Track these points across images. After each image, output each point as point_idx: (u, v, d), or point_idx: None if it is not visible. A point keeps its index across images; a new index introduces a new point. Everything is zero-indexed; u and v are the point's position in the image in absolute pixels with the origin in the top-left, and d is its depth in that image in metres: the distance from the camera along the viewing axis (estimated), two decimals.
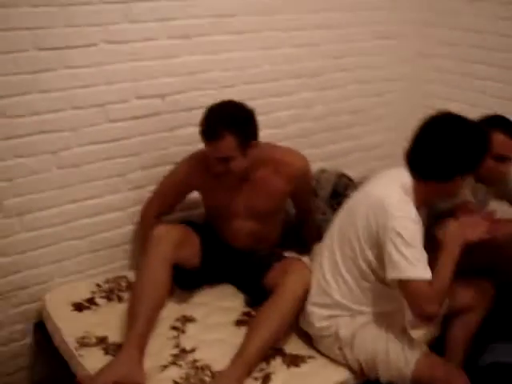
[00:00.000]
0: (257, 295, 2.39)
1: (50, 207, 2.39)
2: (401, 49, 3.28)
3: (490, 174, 2.43)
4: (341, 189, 2.86)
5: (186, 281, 2.46)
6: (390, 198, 2.01)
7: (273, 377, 2.07)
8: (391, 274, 1.97)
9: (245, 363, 2.05)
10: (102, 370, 1.98)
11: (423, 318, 1.98)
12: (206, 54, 2.57)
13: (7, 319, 2.42)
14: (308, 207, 2.72)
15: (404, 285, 1.96)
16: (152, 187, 2.56)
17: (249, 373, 2.06)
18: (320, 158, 3.11)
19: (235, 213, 2.45)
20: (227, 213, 2.46)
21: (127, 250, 2.66)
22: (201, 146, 2.32)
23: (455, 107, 3.02)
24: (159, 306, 2.20)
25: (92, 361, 2.08)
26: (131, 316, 2.14)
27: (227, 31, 2.59)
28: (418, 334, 2.28)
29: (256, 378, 2.06)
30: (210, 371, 2.07)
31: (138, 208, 2.59)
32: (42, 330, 2.43)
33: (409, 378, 2.02)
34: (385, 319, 2.16)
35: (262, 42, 2.72)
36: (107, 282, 2.55)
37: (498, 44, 2.98)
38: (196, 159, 2.43)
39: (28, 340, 2.50)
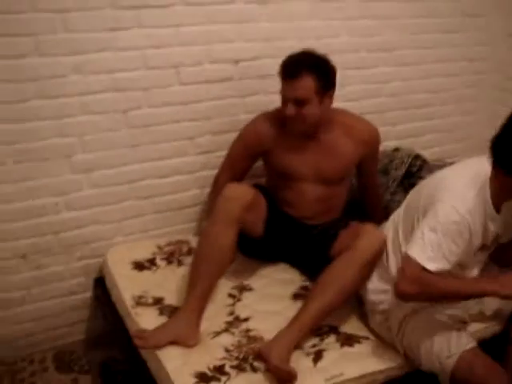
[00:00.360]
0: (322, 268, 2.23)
1: (117, 166, 2.42)
2: (488, 28, 3.09)
3: None
4: (414, 170, 2.76)
5: (249, 248, 2.41)
6: (453, 184, 1.93)
7: (325, 354, 2.02)
8: (404, 248, 1.96)
9: (302, 325, 2.01)
10: (158, 329, 2.00)
11: (395, 291, 1.91)
12: (282, 21, 2.51)
13: (69, 272, 2.48)
14: (373, 181, 2.62)
15: (403, 258, 1.93)
16: (220, 153, 2.54)
17: (304, 336, 2.03)
18: (394, 136, 3.03)
19: (303, 175, 2.36)
20: (295, 175, 2.37)
21: (192, 214, 2.66)
22: None
23: None
24: (222, 270, 2.16)
25: (146, 320, 2.10)
26: (193, 277, 2.12)
27: None
28: (479, 327, 2.18)
29: (308, 354, 2.02)
30: (263, 342, 2.04)
31: (205, 173, 2.58)
32: (101, 286, 2.48)
33: (449, 370, 1.92)
34: (438, 307, 2.07)
35: (340, 11, 2.64)
36: (169, 244, 2.56)
37: None
38: (264, 118, 2.38)
39: (88, 294, 2.56)
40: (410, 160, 2.77)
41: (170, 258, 2.48)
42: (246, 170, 2.51)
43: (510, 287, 1.83)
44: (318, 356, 2.02)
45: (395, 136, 3.03)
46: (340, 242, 2.31)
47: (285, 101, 2.20)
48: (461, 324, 2.11)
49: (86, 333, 2.63)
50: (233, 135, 2.52)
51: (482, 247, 2.04)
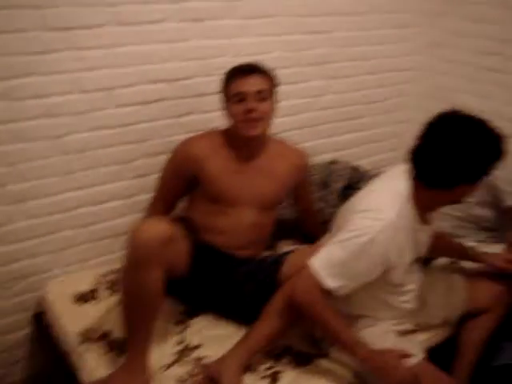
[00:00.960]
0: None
1: (52, 194, 2.30)
2: (414, 38, 3.17)
3: None
4: (354, 182, 2.77)
5: (175, 289, 2.15)
6: (374, 204, 1.88)
7: (281, 375, 1.99)
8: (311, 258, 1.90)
9: (249, 346, 1.97)
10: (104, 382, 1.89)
11: (286, 294, 1.94)
12: (216, 39, 2.47)
13: (6, 309, 2.34)
14: (310, 204, 2.62)
15: (306, 266, 1.88)
16: (157, 175, 2.47)
17: (252, 357, 1.98)
18: (330, 149, 3.06)
19: (240, 200, 2.27)
20: (231, 200, 2.26)
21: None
22: None
23: (467, 99, 3.04)
24: (156, 312, 1.93)
25: (94, 357, 2.01)
26: (128, 326, 1.91)
27: (239, 16, 2.49)
28: (427, 335, 2.22)
29: (264, 377, 1.98)
30: None
31: (143, 197, 2.50)
32: (41, 322, 2.36)
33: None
34: (381, 323, 2.08)
35: (274, 27, 2.62)
36: (111, 273, 2.46)
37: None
38: (196, 138, 2.28)
39: (26, 331, 2.43)
40: (349, 172, 2.79)
41: (113, 288, 2.37)
42: (178, 196, 2.38)
43: (372, 363, 1.85)
44: (274, 378, 1.99)
45: (331, 148, 3.06)
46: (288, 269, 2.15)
47: (241, 99, 2.11)
48: (409, 334, 2.15)
49: (25, 372, 2.48)
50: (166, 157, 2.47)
51: (416, 260, 2.06)
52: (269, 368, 2.03)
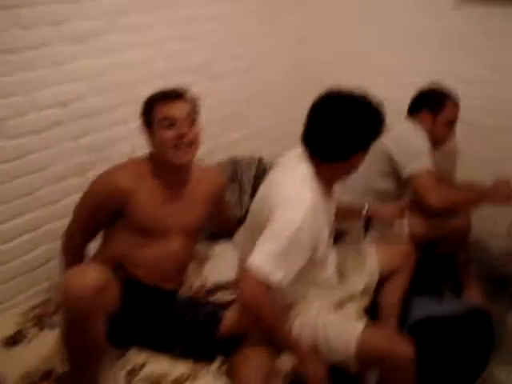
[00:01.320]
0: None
1: None
2: (285, 34, 3.35)
3: (441, 139, 2.78)
4: (260, 173, 2.88)
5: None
6: (287, 191, 1.98)
7: None
8: (248, 259, 1.91)
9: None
10: None
11: (244, 305, 1.97)
12: (101, 57, 2.44)
13: None
14: (228, 213, 2.66)
15: (245, 271, 1.91)
16: (64, 201, 2.42)
17: None
18: (221, 148, 3.12)
19: (168, 228, 2.20)
20: (159, 229, 2.18)
21: (46, 271, 2.47)
22: (108, 150, 2.33)
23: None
24: (101, 357, 1.93)
25: None
26: (74, 373, 1.89)
27: (120, 30, 2.49)
28: (352, 308, 2.34)
29: None
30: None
31: (53, 225, 2.43)
32: None
33: (353, 358, 2.03)
34: (314, 304, 2.19)
35: (155, 38, 2.64)
36: (33, 308, 2.34)
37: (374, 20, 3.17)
38: (118, 169, 2.16)
39: None
40: (256, 163, 2.90)
41: (39, 324, 2.26)
42: (99, 229, 2.25)
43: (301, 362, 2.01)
44: None
45: (224, 147, 3.14)
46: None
47: (170, 124, 2.05)
48: (339, 309, 2.28)
49: None
50: (72, 181, 2.44)
51: (331, 232, 2.21)
52: None
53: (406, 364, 1.99)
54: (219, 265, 2.48)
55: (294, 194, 1.95)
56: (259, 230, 1.98)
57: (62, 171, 2.42)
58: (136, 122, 2.17)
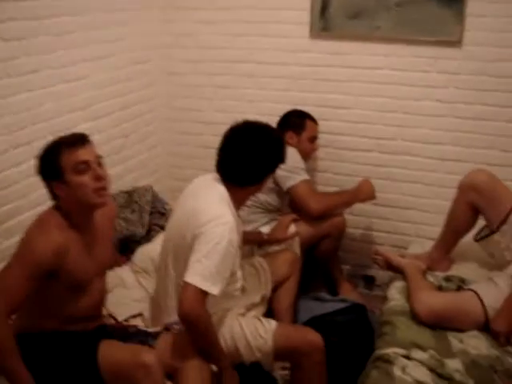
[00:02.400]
0: None
1: None
2: (153, 71, 3.56)
3: (308, 153, 3.19)
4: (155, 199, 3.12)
5: None
6: (207, 210, 2.19)
7: None
8: (185, 277, 2.08)
9: None
10: None
11: (180, 318, 2.10)
12: None
13: None
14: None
15: (184, 288, 2.08)
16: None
17: None
18: None
19: (93, 274, 2.16)
20: (87, 278, 2.14)
21: None
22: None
23: (208, 116, 3.54)
24: None
25: None
26: None
27: (12, 74, 2.53)
28: (253, 316, 2.54)
29: None
30: None
31: None
32: None
33: (271, 351, 2.28)
34: (227, 313, 2.40)
35: (41, 81, 2.70)
36: None
37: (229, 56, 3.48)
38: (48, 227, 2.03)
39: None
40: (150, 190, 3.09)
41: None
42: (29, 295, 2.00)
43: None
44: None
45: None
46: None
47: (85, 169, 2.01)
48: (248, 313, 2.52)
49: None
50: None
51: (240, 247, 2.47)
52: None
53: (318, 350, 2.29)
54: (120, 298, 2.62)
55: (216, 213, 2.18)
56: (183, 253, 2.19)
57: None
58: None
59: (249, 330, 2.32)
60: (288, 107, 3.30)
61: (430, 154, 3.24)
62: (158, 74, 3.61)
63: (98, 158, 2.09)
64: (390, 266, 2.79)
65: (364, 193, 3.13)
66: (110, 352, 2.06)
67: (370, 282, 3.48)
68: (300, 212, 3.06)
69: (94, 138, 2.98)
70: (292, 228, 2.90)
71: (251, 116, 3.33)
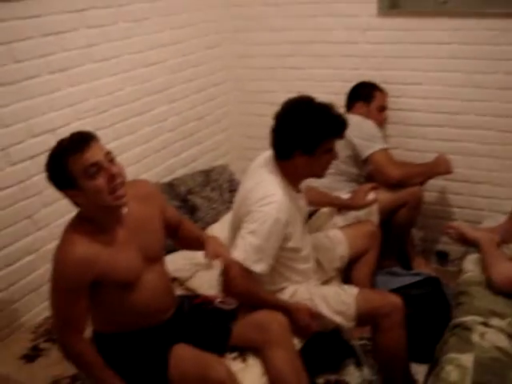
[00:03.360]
0: None
1: None
2: (224, 54, 3.67)
3: (378, 123, 3.20)
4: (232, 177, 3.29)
5: None
6: (259, 189, 2.28)
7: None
8: (232, 253, 2.23)
9: None
10: None
11: (224, 289, 2.26)
12: (80, 84, 2.64)
13: None
14: (181, 220, 2.44)
15: (231, 261, 2.21)
16: (58, 221, 2.56)
17: None
18: (180, 165, 3.39)
19: (138, 267, 2.08)
20: (133, 274, 2.06)
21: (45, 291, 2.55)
22: None
23: (279, 97, 3.55)
24: None
25: None
26: None
27: (95, 60, 2.70)
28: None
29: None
30: None
31: (49, 246, 2.54)
32: None
33: (354, 317, 2.34)
34: (301, 286, 2.47)
35: (122, 65, 2.87)
36: (40, 326, 2.47)
37: (298, 37, 3.54)
38: (74, 237, 1.93)
39: None
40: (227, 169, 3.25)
41: (51, 337, 2.38)
42: (86, 309, 2.00)
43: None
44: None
45: (181, 165, 3.40)
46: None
47: (97, 171, 1.86)
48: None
49: None
50: (64, 201, 2.55)
51: (303, 224, 2.52)
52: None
53: (398, 311, 2.35)
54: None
55: (265, 192, 2.26)
56: (239, 228, 2.29)
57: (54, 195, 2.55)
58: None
59: (331, 297, 2.39)
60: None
61: (502, 128, 3.20)
62: (229, 58, 3.71)
63: (108, 154, 1.92)
64: (463, 239, 2.76)
65: (441, 166, 3.14)
66: (181, 362, 2.04)
67: (443, 257, 3.48)
68: (379, 182, 3.10)
69: (171, 120, 3.24)
70: (371, 195, 2.95)
71: (321, 96, 3.44)
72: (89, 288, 1.96)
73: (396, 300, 2.38)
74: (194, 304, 2.32)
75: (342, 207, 2.99)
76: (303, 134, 2.23)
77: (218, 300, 2.28)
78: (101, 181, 1.87)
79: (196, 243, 2.36)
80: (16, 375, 2.22)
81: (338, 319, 2.36)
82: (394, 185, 3.08)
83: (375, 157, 3.08)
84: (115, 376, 2.00)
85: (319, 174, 2.41)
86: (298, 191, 2.45)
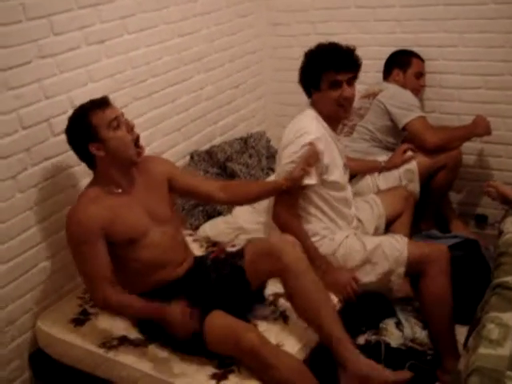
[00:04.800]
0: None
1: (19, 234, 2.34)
2: (257, 23, 3.68)
3: (415, 89, 3.23)
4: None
5: None
6: (293, 125, 2.52)
7: None
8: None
9: None
10: None
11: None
12: (118, 55, 2.68)
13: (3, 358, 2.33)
14: (201, 178, 2.77)
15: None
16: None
17: None
18: (218, 133, 3.44)
19: (146, 226, 2.24)
20: (141, 230, 2.22)
21: None
22: None
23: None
24: None
25: (129, 357, 2.17)
26: None
27: (131, 31, 2.73)
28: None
29: None
30: None
31: None
32: (38, 361, 2.42)
33: (405, 262, 2.42)
34: (349, 227, 2.61)
35: (159, 36, 2.90)
36: (85, 291, 2.53)
37: (330, 3, 3.52)
38: (86, 200, 2.16)
39: (26, 375, 2.43)
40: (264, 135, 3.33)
41: None
42: (109, 260, 2.15)
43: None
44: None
45: (219, 133, 3.45)
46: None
47: (117, 125, 2.13)
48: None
49: None
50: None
51: (345, 166, 2.63)
52: None
53: (445, 258, 2.45)
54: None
55: (299, 127, 2.48)
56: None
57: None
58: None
59: (384, 244, 2.48)
60: (393, 49, 3.32)
61: None
62: (262, 26, 3.72)
63: (122, 114, 2.19)
64: (503, 198, 2.73)
65: (480, 127, 3.11)
66: (215, 331, 2.09)
67: (482, 221, 3.46)
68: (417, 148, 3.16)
69: (207, 88, 3.26)
70: (409, 153, 3.07)
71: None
72: (106, 243, 2.13)
73: (443, 247, 2.51)
74: (212, 258, 2.44)
75: (381, 170, 3.06)
76: (305, 70, 2.52)
77: (229, 247, 2.60)
78: (124, 131, 2.15)
79: (254, 186, 2.62)
80: (67, 337, 2.31)
81: (392, 266, 2.44)
82: (433, 151, 3.08)
83: (413, 125, 3.08)
84: (158, 306, 2.07)
85: (336, 113, 2.51)
86: (336, 131, 2.61)
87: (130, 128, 2.18)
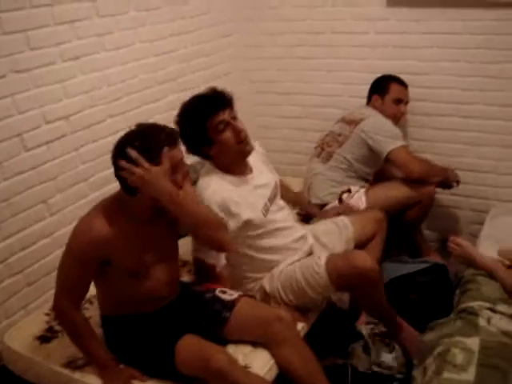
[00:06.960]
0: None
1: None
2: (234, 44, 3.70)
3: (394, 116, 3.27)
4: None
5: None
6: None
7: None
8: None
9: None
10: None
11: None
12: (93, 72, 2.68)
13: None
14: None
15: None
16: (71, 207, 2.62)
17: None
18: None
19: (147, 263, 2.16)
20: (147, 264, 2.16)
21: None
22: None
23: (288, 87, 3.68)
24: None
25: (95, 378, 2.14)
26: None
27: (107, 48, 2.74)
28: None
29: None
30: None
31: (64, 230, 2.60)
32: (1, 377, 2.37)
33: (330, 284, 2.37)
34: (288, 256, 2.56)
35: (134, 54, 2.91)
36: (52, 308, 2.46)
37: (307, 27, 3.57)
38: (97, 215, 2.05)
39: None
40: None
41: None
42: (89, 284, 2.14)
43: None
44: None
45: None
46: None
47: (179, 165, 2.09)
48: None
49: None
50: (78, 187, 2.66)
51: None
52: None
53: (370, 270, 2.36)
54: None
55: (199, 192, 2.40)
56: None
57: (69, 179, 2.64)
58: None
59: (306, 271, 2.44)
60: (367, 76, 3.38)
61: (509, 117, 3.22)
62: (239, 48, 3.73)
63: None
64: (467, 260, 2.55)
65: (452, 174, 3.23)
66: (185, 351, 2.08)
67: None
68: (382, 180, 3.24)
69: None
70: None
71: (331, 85, 3.51)
72: (98, 266, 2.07)
73: (364, 259, 2.39)
74: (198, 291, 2.38)
75: (311, 214, 3.17)
76: (189, 133, 2.39)
77: (219, 290, 2.35)
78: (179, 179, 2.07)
79: None
80: (32, 355, 2.27)
81: (318, 290, 2.41)
82: (416, 180, 3.13)
83: (397, 154, 3.10)
84: (103, 349, 2.14)
85: (241, 152, 2.47)
86: (245, 173, 2.53)
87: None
